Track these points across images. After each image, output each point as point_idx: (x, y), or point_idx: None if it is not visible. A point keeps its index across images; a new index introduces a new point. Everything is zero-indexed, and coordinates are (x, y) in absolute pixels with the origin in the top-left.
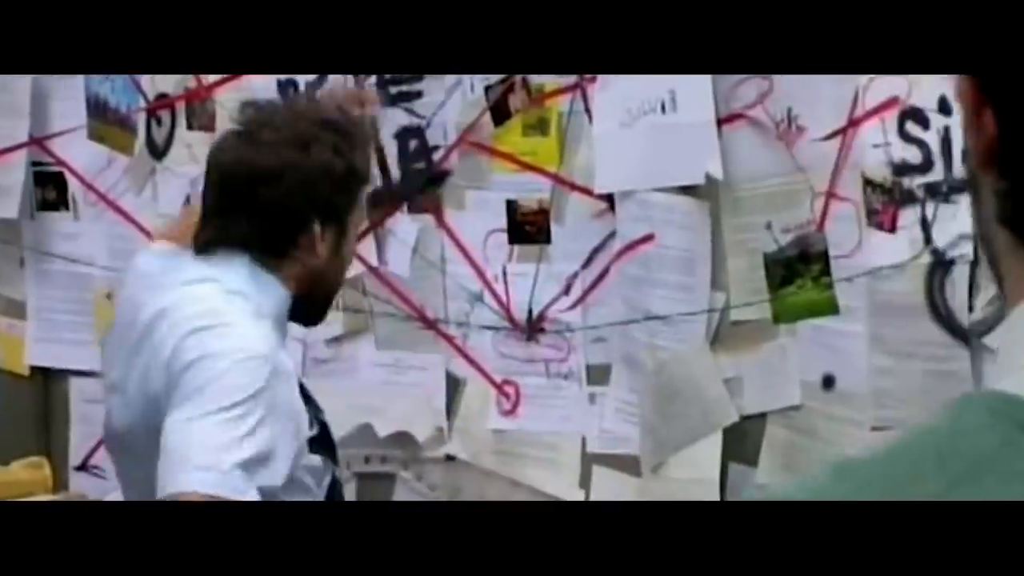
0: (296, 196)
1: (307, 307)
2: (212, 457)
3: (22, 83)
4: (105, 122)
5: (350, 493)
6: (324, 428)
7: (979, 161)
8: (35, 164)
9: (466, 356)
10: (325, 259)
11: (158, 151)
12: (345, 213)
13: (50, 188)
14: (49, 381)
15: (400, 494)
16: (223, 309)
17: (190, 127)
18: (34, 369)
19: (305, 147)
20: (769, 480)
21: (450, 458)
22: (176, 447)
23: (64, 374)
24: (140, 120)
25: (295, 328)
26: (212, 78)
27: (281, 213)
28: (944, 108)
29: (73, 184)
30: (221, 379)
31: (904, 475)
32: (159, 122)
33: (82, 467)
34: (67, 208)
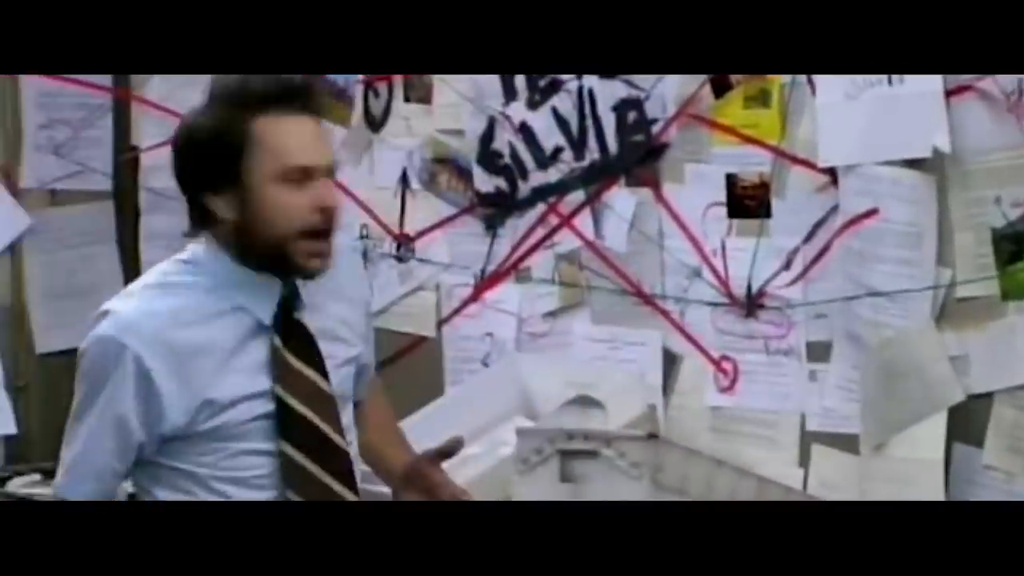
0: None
1: (259, 260)
2: None
3: None
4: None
5: (552, 470)
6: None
7: None
8: None
9: (683, 332)
10: (233, 218)
11: (375, 123)
12: (230, 174)
13: None
14: None
15: (601, 472)
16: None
17: (407, 99)
18: None
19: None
20: (995, 461)
21: (652, 436)
22: None
23: None
24: (358, 92)
25: (511, 303)
26: None
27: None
28: None
29: None
30: None
31: None
32: (376, 94)
33: None
34: None
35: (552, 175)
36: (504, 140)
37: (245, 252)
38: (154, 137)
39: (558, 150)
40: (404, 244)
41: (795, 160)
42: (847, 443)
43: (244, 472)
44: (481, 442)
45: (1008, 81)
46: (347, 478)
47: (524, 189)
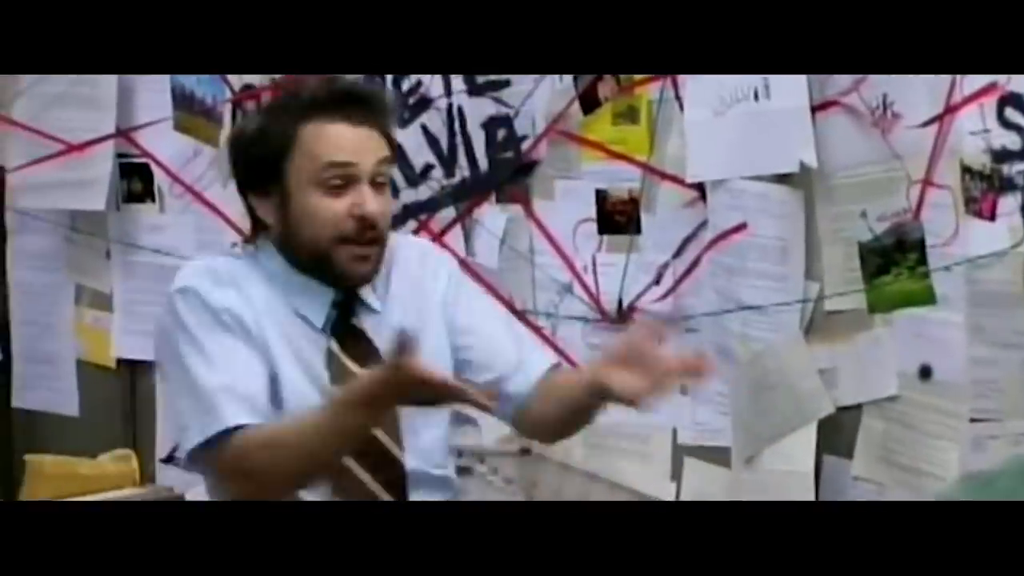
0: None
1: (307, 267)
2: None
3: (108, 76)
4: (191, 113)
5: None
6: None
7: None
8: (121, 156)
9: (555, 347)
10: (277, 223)
11: None
12: (273, 177)
13: (136, 180)
14: (135, 374)
15: (474, 488)
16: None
17: None
18: (120, 362)
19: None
20: (864, 472)
21: (525, 452)
22: None
23: (150, 366)
24: (226, 111)
25: None
26: None
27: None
28: None
29: (159, 176)
30: None
31: None
32: (244, 113)
33: (169, 459)
34: (153, 200)
35: (423, 193)
36: None
37: (293, 259)
38: (21, 158)
39: (428, 168)
40: None
41: (664, 176)
42: (719, 456)
43: None
44: None
45: (872, 96)
46: (396, 488)
47: (394, 207)
